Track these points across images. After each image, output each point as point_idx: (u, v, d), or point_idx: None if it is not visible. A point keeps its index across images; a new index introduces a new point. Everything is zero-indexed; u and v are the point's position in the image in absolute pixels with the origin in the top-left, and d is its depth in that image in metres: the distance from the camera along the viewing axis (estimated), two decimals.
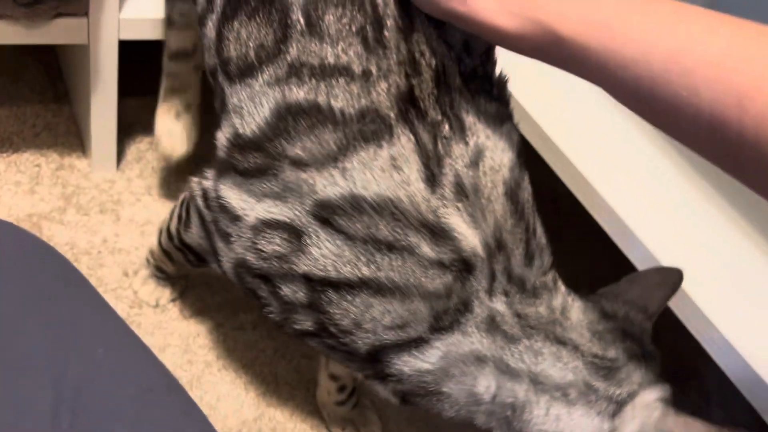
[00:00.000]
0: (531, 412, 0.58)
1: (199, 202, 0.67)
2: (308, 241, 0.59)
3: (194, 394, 0.80)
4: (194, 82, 0.96)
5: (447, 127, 0.57)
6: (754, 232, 0.84)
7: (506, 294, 0.58)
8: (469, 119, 0.58)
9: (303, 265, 0.59)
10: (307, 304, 0.60)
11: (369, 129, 0.57)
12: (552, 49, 0.53)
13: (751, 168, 0.46)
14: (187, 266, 0.84)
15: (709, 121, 0.46)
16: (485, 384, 0.58)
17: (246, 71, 0.62)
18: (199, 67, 0.93)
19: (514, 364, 0.57)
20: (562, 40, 0.52)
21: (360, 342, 0.59)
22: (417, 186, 0.56)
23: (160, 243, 0.85)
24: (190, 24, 0.87)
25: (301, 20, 0.59)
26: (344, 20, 0.58)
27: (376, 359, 0.60)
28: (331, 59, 0.58)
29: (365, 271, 0.57)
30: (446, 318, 0.57)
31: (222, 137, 0.64)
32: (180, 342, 0.88)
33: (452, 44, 0.60)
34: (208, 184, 0.65)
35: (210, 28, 0.65)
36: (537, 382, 0.57)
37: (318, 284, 0.59)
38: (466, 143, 0.57)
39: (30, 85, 1.09)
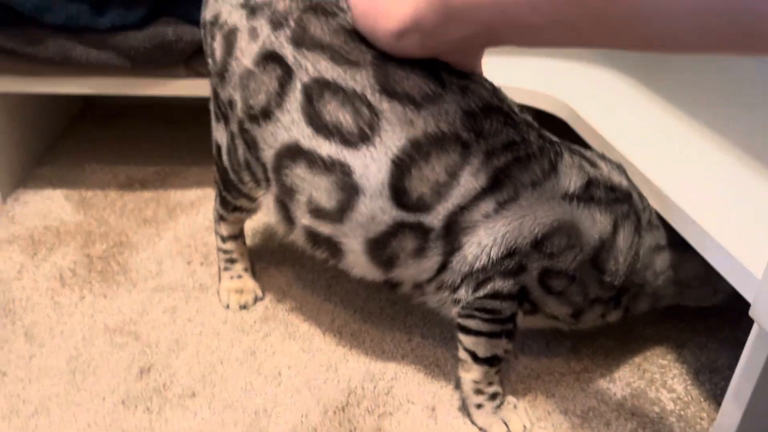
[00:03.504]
0: None
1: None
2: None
3: None
4: (245, 251, 1.05)
5: None
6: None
7: None
8: None
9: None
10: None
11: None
12: (449, 23, 0.56)
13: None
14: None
15: None
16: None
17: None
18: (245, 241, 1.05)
19: None
20: (452, 7, 0.53)
21: None
22: None
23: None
24: (240, 219, 1.00)
25: (472, 136, 0.71)
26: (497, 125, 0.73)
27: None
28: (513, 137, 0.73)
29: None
30: None
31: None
32: None
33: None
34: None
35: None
36: None
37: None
38: None
39: None
